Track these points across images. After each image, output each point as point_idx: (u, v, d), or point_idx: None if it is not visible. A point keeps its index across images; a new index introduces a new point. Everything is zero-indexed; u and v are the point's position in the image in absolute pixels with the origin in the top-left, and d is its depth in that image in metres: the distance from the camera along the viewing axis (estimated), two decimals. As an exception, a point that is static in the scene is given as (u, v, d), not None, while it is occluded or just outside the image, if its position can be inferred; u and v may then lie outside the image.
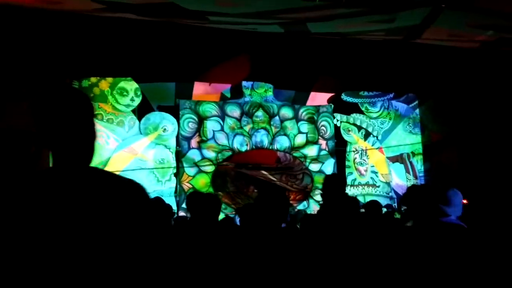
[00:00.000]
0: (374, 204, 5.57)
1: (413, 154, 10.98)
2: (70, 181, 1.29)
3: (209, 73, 9.30)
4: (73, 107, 1.32)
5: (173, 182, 9.14)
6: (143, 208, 1.37)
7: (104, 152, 8.65)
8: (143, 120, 9.17)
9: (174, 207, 8.18)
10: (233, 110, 9.87)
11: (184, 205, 8.38)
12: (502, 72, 8.33)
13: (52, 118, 1.30)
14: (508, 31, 6.02)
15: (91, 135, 1.36)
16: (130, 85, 9.12)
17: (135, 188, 1.40)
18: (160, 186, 8.97)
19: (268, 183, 9.55)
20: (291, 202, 9.64)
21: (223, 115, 9.75)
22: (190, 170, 9.31)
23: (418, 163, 10.92)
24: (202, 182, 9.30)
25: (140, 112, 9.20)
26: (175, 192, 9.09)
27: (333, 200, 2.98)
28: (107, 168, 8.28)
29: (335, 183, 3.08)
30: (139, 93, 9.12)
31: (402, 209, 7.73)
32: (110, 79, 9.04)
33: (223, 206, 5.57)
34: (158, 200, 4.09)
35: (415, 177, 10.83)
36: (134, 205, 1.34)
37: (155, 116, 9.29)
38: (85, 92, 1.44)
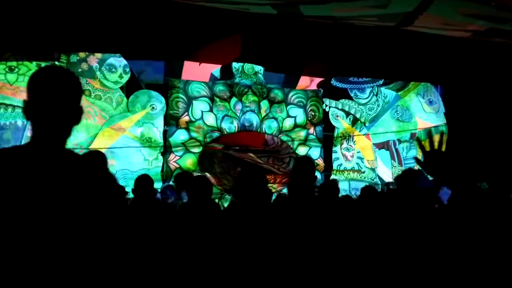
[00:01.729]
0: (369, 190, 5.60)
1: (399, 141, 11.09)
2: (42, 158, 1.32)
3: (199, 53, 9.23)
4: (61, 89, 1.35)
5: (160, 161, 9.11)
6: (100, 188, 1.41)
7: (91, 128, 8.56)
8: (131, 97, 9.08)
9: (160, 186, 8.16)
10: (222, 91, 9.82)
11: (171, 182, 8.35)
12: (492, 62, 8.41)
13: (40, 94, 1.34)
14: (499, 22, 6.06)
15: (74, 118, 1.39)
16: (119, 62, 9.00)
17: (93, 157, 1.45)
18: (147, 165, 8.93)
19: (251, 165, 9.57)
20: (277, 185, 9.69)
21: (212, 96, 9.70)
22: (177, 150, 9.28)
23: (404, 151, 11.05)
24: (189, 162, 9.28)
25: (128, 89, 9.09)
26: (162, 171, 9.07)
27: (302, 183, 2.94)
28: (94, 145, 8.22)
29: (305, 165, 3.03)
30: (127, 70, 9.01)
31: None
32: (99, 55, 8.90)
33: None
34: (146, 178, 4.08)
35: (400, 164, 10.97)
36: (91, 175, 1.38)
37: (144, 94, 9.20)
38: (76, 76, 1.45)
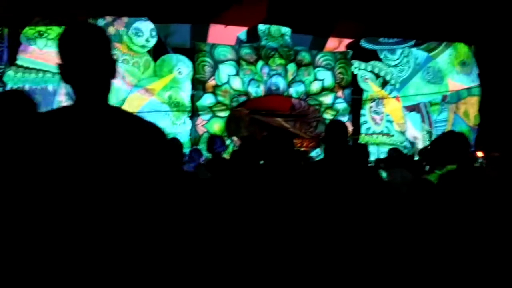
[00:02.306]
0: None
1: (431, 103, 10.83)
2: (89, 118, 1.29)
3: (225, 16, 9.08)
4: (93, 43, 1.31)
5: (187, 126, 9.16)
6: (161, 151, 1.37)
7: (119, 93, 8.64)
8: (158, 61, 9.07)
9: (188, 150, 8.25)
10: (249, 55, 9.69)
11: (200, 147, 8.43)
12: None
13: (72, 54, 1.29)
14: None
15: (110, 72, 1.35)
16: (146, 26, 8.95)
17: (156, 131, 1.39)
18: (175, 129, 9.01)
19: (277, 129, 9.54)
20: (303, 149, 9.66)
21: (238, 59, 9.60)
22: (204, 114, 9.30)
23: (435, 113, 10.79)
24: (217, 127, 9.31)
25: (155, 53, 9.08)
26: (190, 135, 9.14)
27: (334, 147, 2.90)
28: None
29: (337, 129, 2.98)
30: (154, 34, 8.96)
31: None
32: (125, 19, 8.86)
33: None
34: (176, 141, 4.08)
35: (431, 127, 10.74)
36: (153, 147, 1.34)
37: (170, 58, 9.18)
38: (102, 28, 1.40)
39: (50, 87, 8.56)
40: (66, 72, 1.31)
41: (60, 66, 1.32)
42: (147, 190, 1.30)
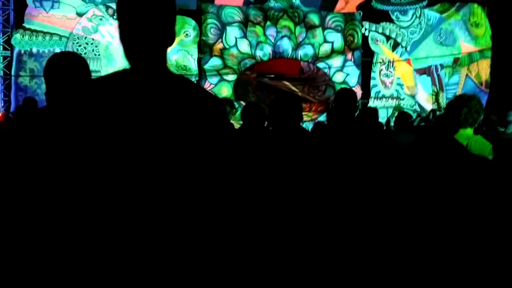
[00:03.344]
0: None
1: (442, 66, 10.63)
2: (147, 82, 1.27)
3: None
4: (152, 4, 1.25)
5: (195, 89, 9.14)
6: (221, 120, 1.34)
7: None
8: (164, 24, 8.96)
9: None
10: (257, 16, 9.51)
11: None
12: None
13: (130, 15, 1.25)
14: None
15: (169, 38, 1.31)
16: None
17: (215, 101, 1.36)
18: (183, 93, 8.99)
19: (286, 93, 9.46)
20: (312, 113, 9.61)
21: (246, 21, 9.43)
22: (212, 78, 9.25)
23: (446, 76, 10.62)
24: (224, 91, 9.27)
25: (162, 16, 8.96)
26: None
27: (342, 118, 2.89)
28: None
29: (346, 99, 2.97)
30: (160, -5, 8.81)
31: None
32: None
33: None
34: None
35: (442, 90, 10.59)
36: (211, 115, 1.30)
37: (177, 21, 9.04)
38: None
39: (57, 50, 8.52)
40: (123, 32, 1.26)
41: (119, 26, 1.27)
42: (203, 159, 1.27)
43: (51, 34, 8.49)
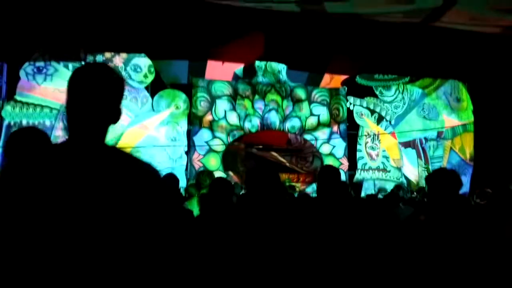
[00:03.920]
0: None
1: (426, 139, 10.87)
2: (82, 156, 1.29)
3: (222, 52, 9.23)
4: (99, 84, 1.31)
5: (184, 160, 9.17)
6: (155, 192, 1.36)
7: (117, 127, 8.65)
8: (156, 97, 9.18)
9: (184, 184, 8.20)
10: (246, 90, 9.81)
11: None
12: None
13: (76, 91, 1.30)
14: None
15: (112, 117, 1.35)
16: (144, 62, 9.09)
17: (149, 171, 1.38)
18: (172, 164, 9.00)
19: (272, 163, 9.53)
20: (300, 184, 9.62)
21: (235, 95, 9.70)
22: (201, 149, 9.32)
23: (431, 149, 10.82)
24: (213, 162, 9.31)
25: (153, 89, 9.20)
26: (186, 169, 9.13)
27: (327, 191, 2.91)
28: (119, 144, 8.31)
29: (329, 175, 3.01)
30: (152, 70, 9.10)
31: (414, 194, 7.68)
32: (124, 55, 9.02)
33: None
34: (172, 177, 4.05)
35: (427, 162, 10.75)
36: (146, 186, 1.32)
37: (168, 94, 9.28)
38: (121, 77, 1.41)
39: (47, 122, 8.59)
40: (69, 106, 1.32)
41: (66, 100, 1.32)
42: (138, 228, 1.28)
43: (42, 106, 8.59)
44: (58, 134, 8.57)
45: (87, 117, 1.31)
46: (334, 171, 3.09)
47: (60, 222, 1.21)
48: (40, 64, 8.57)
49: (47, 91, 8.61)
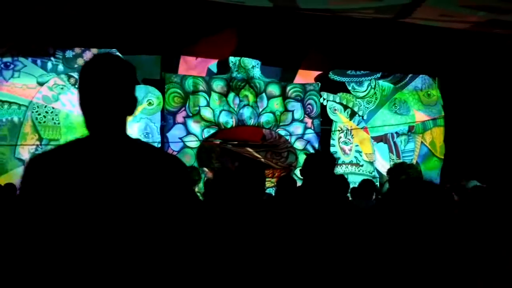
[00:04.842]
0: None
1: (397, 134, 11.06)
2: (106, 150, 1.28)
3: (195, 47, 9.17)
4: (114, 77, 1.30)
5: (157, 157, 9.06)
6: (183, 182, 1.36)
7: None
8: (128, 93, 9.02)
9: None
10: (220, 86, 9.76)
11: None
12: (493, 54, 8.37)
13: (90, 84, 1.29)
14: (500, 12, 6.01)
15: (128, 108, 1.34)
16: (115, 57, 8.93)
17: (176, 162, 1.38)
18: (144, 161, 8.89)
19: (250, 159, 9.54)
20: (275, 179, 9.65)
21: (209, 90, 9.64)
22: (175, 145, 9.24)
23: (402, 144, 11.02)
24: (187, 158, 9.23)
25: (125, 85, 9.03)
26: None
27: (315, 180, 2.82)
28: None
29: (318, 161, 2.90)
30: (124, 65, 8.94)
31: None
32: (95, 50, 8.81)
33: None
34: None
35: (398, 157, 10.94)
36: (173, 178, 1.31)
37: (140, 89, 9.12)
38: (132, 65, 1.39)
39: (15, 119, 8.36)
40: (83, 101, 1.30)
41: (79, 92, 1.31)
42: (166, 219, 1.27)
43: (10, 103, 8.35)
44: (27, 131, 8.35)
45: (106, 110, 1.29)
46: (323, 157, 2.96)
47: (90, 219, 1.20)
48: (8, 59, 8.32)
49: (15, 87, 8.37)
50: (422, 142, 11.09)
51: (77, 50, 8.73)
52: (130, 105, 1.34)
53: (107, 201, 1.21)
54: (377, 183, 10.17)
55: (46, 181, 1.22)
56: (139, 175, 1.26)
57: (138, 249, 1.22)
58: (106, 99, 1.28)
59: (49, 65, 8.56)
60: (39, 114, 8.51)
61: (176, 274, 1.28)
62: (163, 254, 1.25)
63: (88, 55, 8.78)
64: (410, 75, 11.14)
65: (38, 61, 8.45)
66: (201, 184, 6.05)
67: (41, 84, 8.55)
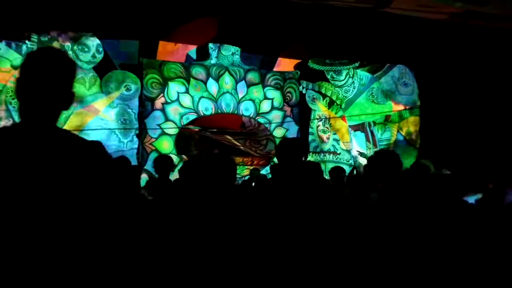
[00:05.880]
0: (337, 170, 5.70)
1: (374, 123, 11.21)
2: (33, 138, 1.32)
3: (175, 33, 9.05)
4: (52, 69, 1.35)
5: (135, 144, 8.97)
6: (104, 165, 1.42)
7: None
8: (104, 78, 8.86)
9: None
10: (199, 73, 9.68)
11: (146, 167, 8.25)
12: (469, 45, 8.52)
13: (32, 76, 1.34)
14: (476, 4, 6.12)
15: (64, 102, 1.39)
16: (92, 41, 8.75)
17: (96, 147, 1.44)
18: (122, 147, 8.78)
19: (229, 147, 9.53)
20: (254, 167, 9.69)
21: (188, 77, 9.56)
22: (153, 132, 9.15)
23: (379, 132, 11.18)
24: (166, 145, 9.17)
25: (102, 69, 8.86)
26: (137, 153, 8.94)
27: (288, 165, 2.87)
28: (66, 126, 8.01)
29: (291, 147, 2.95)
30: (101, 49, 8.78)
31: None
32: (71, 34, 8.63)
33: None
34: (124, 160, 4.00)
35: (375, 145, 11.10)
36: (95, 163, 1.38)
37: (118, 75, 8.99)
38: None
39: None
40: (21, 88, 1.35)
41: (17, 81, 1.35)
42: (87, 202, 1.33)
43: (-17, 85, 8.13)
44: (1, 115, 8.16)
45: (40, 101, 1.34)
46: (294, 143, 3.01)
47: (18, 201, 1.24)
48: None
49: (-12, 70, 8.15)
50: (398, 131, 11.27)
51: (53, 33, 8.52)
52: (66, 100, 1.40)
53: (31, 184, 1.26)
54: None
55: None
56: (61, 160, 1.32)
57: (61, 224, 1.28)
58: (43, 91, 1.33)
59: (24, 48, 8.34)
60: (13, 99, 8.30)
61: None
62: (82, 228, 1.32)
63: (65, 38, 8.59)
64: (387, 65, 11.27)
65: (13, 44, 8.22)
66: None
67: (15, 68, 8.33)
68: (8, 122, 8.17)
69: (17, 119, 8.20)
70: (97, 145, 1.46)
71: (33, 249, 1.22)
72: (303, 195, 2.70)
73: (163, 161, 4.64)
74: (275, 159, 9.63)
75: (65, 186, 1.29)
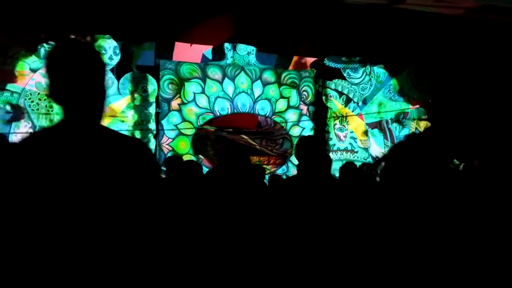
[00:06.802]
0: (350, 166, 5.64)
1: (392, 120, 11.10)
2: (79, 137, 1.30)
3: (190, 33, 9.08)
4: (84, 62, 1.30)
5: (152, 144, 9.04)
6: (150, 166, 1.41)
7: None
8: (121, 79, 8.96)
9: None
10: (215, 73, 9.71)
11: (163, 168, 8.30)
12: (485, 40, 8.37)
13: (62, 72, 1.28)
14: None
15: (101, 92, 1.35)
16: (109, 44, 8.85)
17: (142, 145, 1.46)
18: (140, 148, 8.86)
19: (244, 146, 9.53)
20: (270, 166, 9.68)
21: (204, 77, 9.60)
22: (170, 133, 9.22)
23: (397, 130, 11.07)
24: (182, 145, 9.23)
25: (119, 71, 8.97)
26: (154, 154, 9.02)
27: (307, 162, 2.87)
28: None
29: (309, 145, 2.95)
30: (117, 51, 8.87)
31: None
32: (88, 37, 8.73)
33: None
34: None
35: (393, 143, 10.99)
36: (144, 160, 1.38)
37: (134, 76, 9.08)
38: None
39: (8, 106, 8.30)
40: (55, 92, 1.30)
41: (49, 85, 1.30)
42: (135, 200, 1.31)
43: (2, 89, 8.27)
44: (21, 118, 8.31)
45: (85, 99, 1.30)
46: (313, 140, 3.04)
47: (64, 205, 1.23)
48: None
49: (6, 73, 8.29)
50: (416, 128, 11.14)
51: (71, 36, 8.64)
52: (101, 91, 1.35)
53: (77, 185, 1.24)
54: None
55: (20, 169, 1.24)
56: (108, 160, 1.30)
57: (104, 225, 1.27)
58: (83, 88, 1.29)
59: (42, 51, 8.47)
60: (32, 101, 8.45)
61: (134, 248, 1.33)
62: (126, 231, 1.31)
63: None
64: (404, 62, 11.13)
65: (31, 47, 8.36)
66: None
67: (34, 70, 8.47)
68: (27, 125, 8.32)
69: (36, 122, 8.34)
70: (141, 143, 1.47)
71: (83, 246, 1.23)
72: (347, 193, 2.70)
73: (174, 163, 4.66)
74: (292, 158, 9.63)
75: (119, 184, 1.29)
